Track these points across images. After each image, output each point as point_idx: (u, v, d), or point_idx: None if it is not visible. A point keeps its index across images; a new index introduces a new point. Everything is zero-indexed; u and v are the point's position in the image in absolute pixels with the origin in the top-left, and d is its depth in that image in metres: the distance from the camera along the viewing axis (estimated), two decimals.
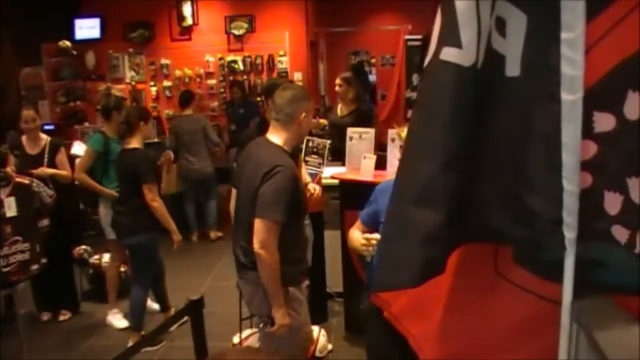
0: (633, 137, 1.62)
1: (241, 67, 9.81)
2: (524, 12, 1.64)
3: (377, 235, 2.88)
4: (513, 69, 1.67)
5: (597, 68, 1.61)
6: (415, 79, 8.01)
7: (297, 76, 9.69)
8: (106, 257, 6.40)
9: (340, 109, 7.65)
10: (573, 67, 1.58)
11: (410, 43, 8.45)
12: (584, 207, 1.66)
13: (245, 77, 9.85)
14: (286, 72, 9.57)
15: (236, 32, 9.80)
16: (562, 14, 1.57)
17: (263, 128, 4.33)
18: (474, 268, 1.95)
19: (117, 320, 5.85)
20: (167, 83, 10.00)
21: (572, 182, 1.63)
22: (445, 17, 1.67)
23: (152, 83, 10.05)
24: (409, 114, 7.04)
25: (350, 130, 5.61)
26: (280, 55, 9.72)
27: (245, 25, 9.77)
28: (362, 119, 7.11)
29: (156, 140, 8.75)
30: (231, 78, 9.76)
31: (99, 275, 6.45)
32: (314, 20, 10.93)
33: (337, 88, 7.69)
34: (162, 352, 5.19)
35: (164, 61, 9.96)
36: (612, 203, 1.68)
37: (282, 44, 9.71)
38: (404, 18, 11.35)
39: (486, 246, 1.94)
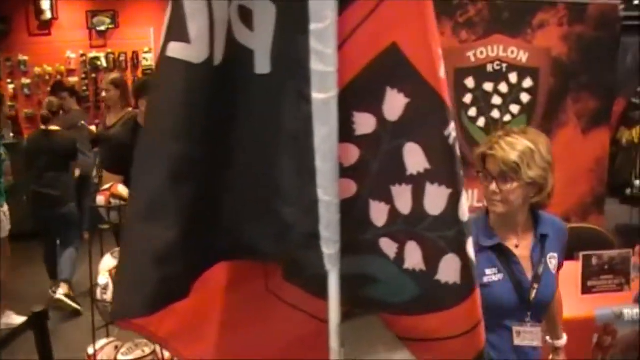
0: (395, 140, 1.46)
1: (104, 64, 9.43)
2: (272, 0, 1.43)
3: None
4: (263, 65, 1.45)
5: (354, 63, 1.43)
6: None
7: None
8: None
9: (109, 119, 5.71)
10: (324, 63, 1.38)
11: None
12: (349, 218, 1.49)
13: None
14: (151, 69, 9.19)
15: (99, 28, 9.37)
16: (310, 2, 1.37)
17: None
18: (245, 285, 1.74)
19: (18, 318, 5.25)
20: (25, 80, 9.44)
21: (328, 192, 1.43)
22: (173, 8, 1.42)
23: (9, 80, 9.45)
24: None
25: None
26: (145, 52, 9.45)
27: (108, 21, 9.39)
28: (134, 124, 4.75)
29: (12, 140, 8.07)
30: (93, 75, 9.32)
31: None
32: None
33: (104, 94, 6.04)
34: None
35: (21, 57, 9.39)
36: (379, 213, 1.52)
37: (147, 40, 9.41)
38: None
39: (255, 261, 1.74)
